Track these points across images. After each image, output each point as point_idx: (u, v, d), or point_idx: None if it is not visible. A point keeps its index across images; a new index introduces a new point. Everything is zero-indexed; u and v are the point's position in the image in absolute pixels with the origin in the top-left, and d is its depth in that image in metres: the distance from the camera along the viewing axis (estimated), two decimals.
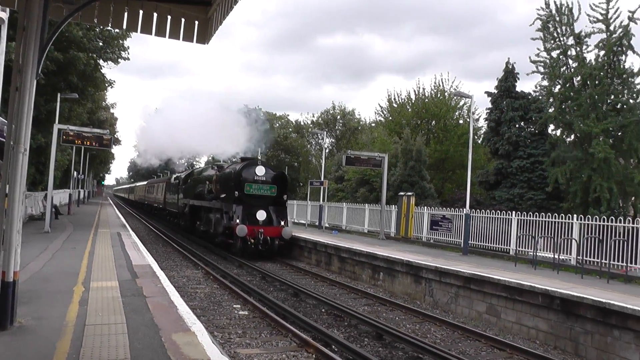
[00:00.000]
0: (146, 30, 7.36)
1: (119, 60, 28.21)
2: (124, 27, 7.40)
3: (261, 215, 21.28)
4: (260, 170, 22.05)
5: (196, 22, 7.52)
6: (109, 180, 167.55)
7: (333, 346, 8.79)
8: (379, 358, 8.25)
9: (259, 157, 27.83)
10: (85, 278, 10.07)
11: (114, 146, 57.24)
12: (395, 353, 8.82)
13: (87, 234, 19.74)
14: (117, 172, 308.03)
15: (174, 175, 38.79)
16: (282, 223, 21.64)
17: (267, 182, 22.12)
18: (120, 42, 27.51)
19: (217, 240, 22.65)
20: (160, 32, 7.40)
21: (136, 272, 11.17)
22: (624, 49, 26.33)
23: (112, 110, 59.82)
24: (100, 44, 26.88)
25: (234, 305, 11.99)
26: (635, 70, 26.64)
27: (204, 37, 7.64)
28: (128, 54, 28.44)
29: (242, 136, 25.77)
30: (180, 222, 32.12)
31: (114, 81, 32.12)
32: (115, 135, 57.38)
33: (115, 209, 48.95)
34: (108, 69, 30.16)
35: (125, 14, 7.23)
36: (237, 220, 20.61)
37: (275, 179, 22.45)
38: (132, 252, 14.56)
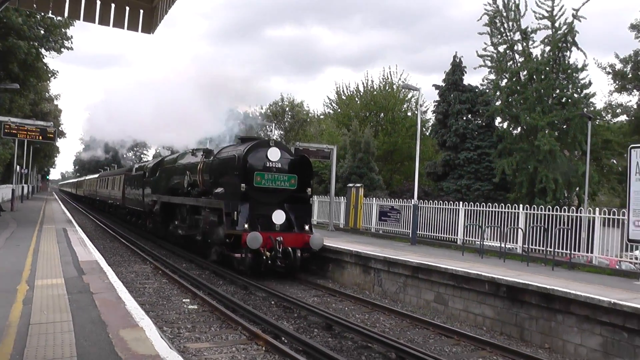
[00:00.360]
0: (89, 18, 7.13)
1: (62, 49, 27.37)
2: (66, 14, 7.16)
3: (279, 217, 15.66)
4: (274, 154, 16.04)
5: (141, 11, 7.35)
6: (54, 174, 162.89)
7: (283, 338, 8.81)
8: (329, 348, 8.30)
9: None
10: (29, 276, 9.76)
11: (58, 139, 55.55)
12: (344, 343, 8.91)
13: (32, 230, 19.14)
14: (63, 166, 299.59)
15: (137, 165, 32.73)
16: (307, 228, 16.07)
17: (284, 171, 16.16)
18: (63, 30, 26.68)
19: (212, 253, 16.91)
20: (104, 21, 7.19)
21: (83, 268, 10.90)
22: (569, 45, 27.27)
23: (56, 102, 58.03)
24: (42, 32, 26.00)
25: (184, 300, 11.85)
26: (580, 65, 27.65)
27: (149, 27, 7.48)
28: (71, 43, 27.63)
29: (204, 123, 23.60)
30: (147, 223, 26.01)
31: (57, 71, 31.17)
32: (59, 128, 55.70)
33: (61, 204, 47.63)
34: (51, 59, 29.21)
35: (67, 0, 7.00)
36: (245, 225, 15.00)
37: (295, 166, 16.38)
38: (78, 248, 14.20)
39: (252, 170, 15.67)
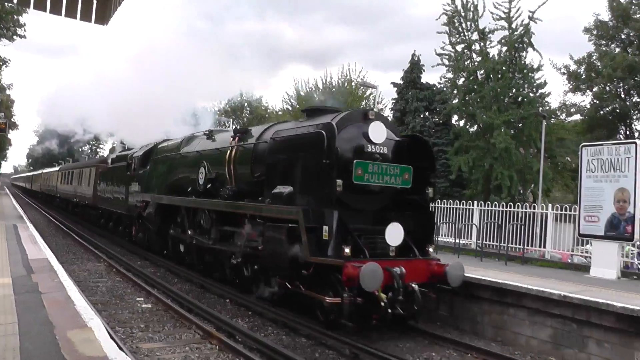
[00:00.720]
0: (40, 6, 6.92)
1: (15, 37, 26.51)
2: (15, 0, 6.94)
3: (395, 234, 9.55)
4: (377, 132, 9.81)
5: (94, 1, 7.16)
6: (6, 168, 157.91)
7: (237, 336, 8.75)
8: (283, 346, 8.29)
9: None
10: None
11: (10, 131, 53.74)
12: (298, 340, 8.90)
13: None
14: (15, 159, 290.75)
15: (114, 155, 26.30)
16: (431, 250, 10.37)
17: (390, 159, 10.14)
18: (16, 17, 25.83)
19: (265, 287, 10.89)
20: (56, 10, 6.98)
21: (32, 267, 10.60)
22: (525, 46, 27.76)
23: (8, 92, 56.13)
24: None
25: (137, 299, 11.69)
26: (535, 66, 28.21)
27: (103, 18, 7.29)
28: (25, 31, 26.78)
29: (162, 117, 21.56)
30: (134, 232, 19.89)
31: (9, 60, 30.15)
32: (11, 119, 53.90)
33: (13, 199, 46.33)
34: (2, 46, 28.00)
35: None
36: (347, 250, 8.90)
37: (407, 151, 10.49)
38: (28, 246, 13.82)
39: (349, 158, 9.49)
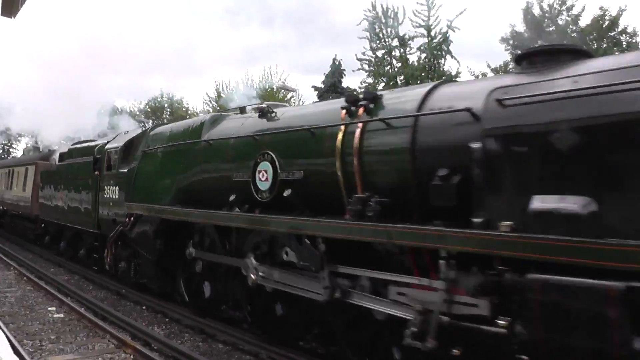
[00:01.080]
0: None
1: None
2: None
3: None
4: None
5: None
6: None
7: (153, 344, 8.62)
8: (199, 353, 8.24)
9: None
10: None
11: None
12: (215, 346, 8.86)
13: None
14: None
15: (67, 147, 18.29)
16: None
17: None
18: None
19: None
20: None
21: None
22: (444, 53, 28.72)
23: None
24: None
25: (49, 308, 11.25)
26: (454, 72, 29.26)
27: (10, 10, 6.99)
28: None
29: (73, 116, 20.41)
30: (111, 259, 13.27)
31: None
32: None
33: None
34: None
35: None
36: None
37: None
38: None
39: None
